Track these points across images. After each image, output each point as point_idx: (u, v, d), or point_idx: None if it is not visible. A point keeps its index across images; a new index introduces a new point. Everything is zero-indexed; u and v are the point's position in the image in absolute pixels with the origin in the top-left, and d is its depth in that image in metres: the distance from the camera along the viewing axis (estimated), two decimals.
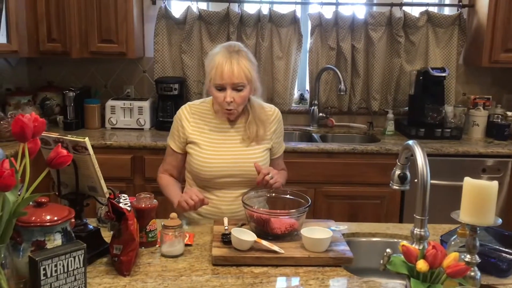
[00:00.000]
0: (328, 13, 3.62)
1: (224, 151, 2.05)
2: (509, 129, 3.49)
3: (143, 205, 1.72)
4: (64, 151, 1.35)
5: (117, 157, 3.15)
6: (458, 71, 3.77)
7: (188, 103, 2.17)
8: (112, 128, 3.54)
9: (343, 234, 1.84)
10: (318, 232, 1.71)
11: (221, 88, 1.97)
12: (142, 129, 3.54)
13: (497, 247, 1.68)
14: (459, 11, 3.64)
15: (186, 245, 1.73)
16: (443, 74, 3.46)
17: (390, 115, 3.63)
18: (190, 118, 2.10)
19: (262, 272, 1.58)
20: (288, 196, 2.01)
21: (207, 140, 2.07)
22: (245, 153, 2.06)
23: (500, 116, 3.57)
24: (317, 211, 3.19)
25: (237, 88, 1.96)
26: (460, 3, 3.65)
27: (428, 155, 1.50)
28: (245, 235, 1.68)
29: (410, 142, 1.53)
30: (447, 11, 3.80)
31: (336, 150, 3.19)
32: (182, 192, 2.06)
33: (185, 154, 2.12)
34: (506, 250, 1.65)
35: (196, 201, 1.88)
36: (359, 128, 3.78)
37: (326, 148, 3.19)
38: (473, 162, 3.23)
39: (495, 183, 1.34)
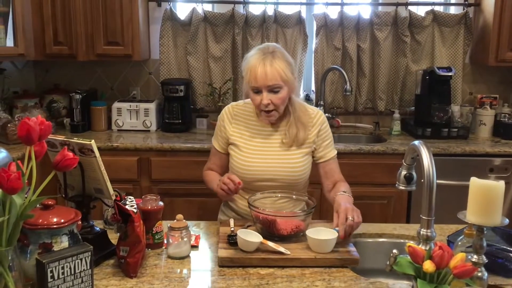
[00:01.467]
0: (333, 13, 3.61)
1: (263, 154, 2.04)
2: None
3: (149, 207, 1.72)
4: (70, 154, 1.36)
5: (123, 159, 3.16)
6: (464, 70, 3.75)
7: (232, 103, 2.18)
8: (118, 130, 3.55)
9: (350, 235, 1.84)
10: (324, 233, 1.71)
11: (257, 91, 1.95)
12: (148, 130, 3.55)
13: (505, 247, 1.67)
14: (465, 10, 3.62)
15: (193, 246, 1.73)
16: (449, 74, 3.44)
17: (396, 115, 3.62)
18: (232, 119, 2.11)
19: (268, 273, 1.58)
20: (294, 197, 2.02)
21: (247, 143, 2.07)
22: (284, 157, 2.04)
23: (507, 115, 3.55)
24: (323, 212, 3.18)
25: (273, 90, 1.94)
26: (466, 2, 3.63)
27: (435, 155, 1.49)
28: (251, 237, 1.68)
29: (416, 142, 1.52)
30: (453, 10, 3.78)
31: (342, 151, 3.18)
32: None
33: (228, 154, 2.13)
34: None
35: (229, 184, 1.87)
36: (365, 128, 3.77)
37: None
38: (481, 161, 3.21)
39: (501, 183, 1.33)
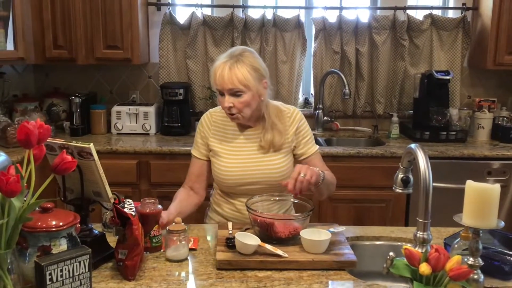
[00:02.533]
0: (332, 17, 3.63)
1: (243, 159, 2.04)
2: None
3: (147, 210, 1.73)
4: (69, 157, 1.37)
5: (122, 162, 3.17)
6: (462, 74, 3.77)
7: (210, 110, 2.18)
8: (118, 133, 3.57)
9: (347, 238, 1.85)
10: (317, 234, 1.72)
11: (221, 94, 1.97)
12: (148, 134, 3.56)
13: (501, 250, 1.68)
14: (463, 14, 3.64)
15: (191, 249, 1.74)
16: (448, 77, 3.46)
17: (395, 118, 3.63)
18: (211, 126, 2.11)
19: (266, 276, 1.59)
20: (292, 200, 2.03)
21: (226, 148, 2.07)
22: (263, 160, 2.04)
23: (505, 118, 3.56)
24: (322, 215, 3.20)
25: (235, 93, 1.94)
26: (464, 6, 3.65)
27: (433, 158, 1.51)
28: (249, 239, 1.69)
29: (413, 145, 1.53)
30: (451, 14, 3.80)
31: (341, 154, 3.20)
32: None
33: (208, 161, 2.12)
34: (510, 253, 1.64)
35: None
36: (364, 131, 3.78)
37: (331, 152, 3.20)
38: (479, 165, 3.22)
39: (497, 186, 1.34)
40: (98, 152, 1.59)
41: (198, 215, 2.96)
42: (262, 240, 1.73)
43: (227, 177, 2.04)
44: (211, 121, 2.12)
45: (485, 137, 3.57)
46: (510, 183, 3.22)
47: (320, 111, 3.74)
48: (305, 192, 1.85)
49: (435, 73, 3.45)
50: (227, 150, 2.07)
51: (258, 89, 1.98)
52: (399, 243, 1.88)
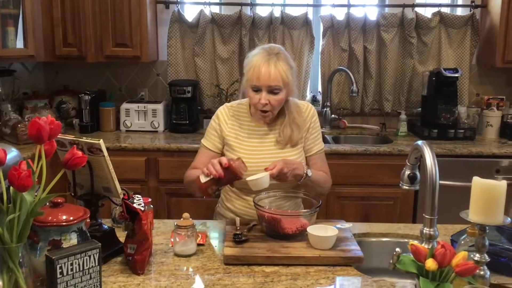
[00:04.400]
0: (340, 15, 3.63)
1: (259, 154, 2.05)
2: None
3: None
4: (79, 153, 1.39)
5: (131, 159, 3.20)
6: (471, 72, 3.75)
7: (226, 104, 2.18)
8: (126, 130, 3.59)
9: (354, 234, 1.86)
10: (324, 230, 1.73)
11: (257, 90, 1.96)
12: (156, 131, 3.58)
13: (508, 247, 1.67)
14: (471, 12, 3.63)
15: (199, 244, 1.76)
16: (456, 75, 3.45)
17: (403, 116, 3.63)
18: (228, 120, 2.11)
19: (273, 271, 1.60)
20: (300, 195, 2.04)
21: (242, 143, 2.07)
22: (280, 156, 2.04)
23: None
24: (330, 213, 3.20)
25: (273, 91, 1.95)
26: (473, 4, 3.63)
27: (441, 156, 1.51)
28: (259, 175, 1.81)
29: (419, 142, 1.54)
30: (459, 11, 3.79)
31: (348, 152, 3.20)
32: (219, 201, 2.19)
33: (219, 154, 2.11)
34: None
35: (214, 166, 1.80)
36: (372, 129, 3.78)
37: (339, 150, 3.20)
38: (487, 162, 3.21)
39: (503, 183, 1.34)
40: (107, 149, 1.61)
41: (207, 212, 2.98)
42: (269, 236, 1.75)
43: None
44: (228, 115, 2.12)
45: (494, 135, 3.56)
46: None
47: (328, 109, 3.74)
48: (284, 181, 1.92)
49: (443, 71, 3.45)
50: (243, 145, 2.07)
51: (293, 87, 2.00)
52: (406, 240, 1.89)
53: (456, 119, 3.53)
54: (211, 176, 1.79)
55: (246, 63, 2.02)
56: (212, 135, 2.12)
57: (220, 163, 1.80)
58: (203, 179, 1.81)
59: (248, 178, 1.84)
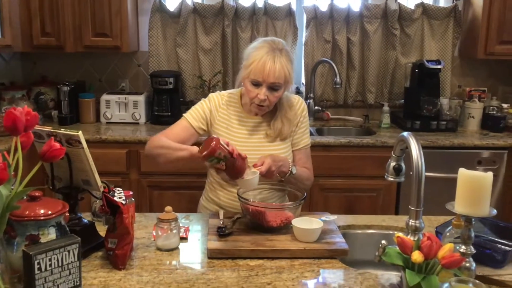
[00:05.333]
0: (323, 5, 3.61)
1: (248, 145, 2.01)
2: (505, 121, 3.49)
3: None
4: (57, 145, 1.34)
5: (112, 151, 3.14)
6: (453, 64, 3.77)
7: (218, 92, 2.12)
8: (107, 122, 3.53)
9: (339, 226, 1.85)
10: (309, 223, 1.72)
11: (257, 84, 1.91)
12: (138, 123, 3.53)
13: (493, 238, 1.68)
14: (454, 3, 3.63)
15: (182, 238, 1.73)
16: (439, 67, 3.45)
17: (386, 108, 3.63)
18: (219, 108, 2.06)
19: (257, 264, 1.58)
20: (284, 188, 2.02)
21: (232, 134, 2.03)
22: (269, 149, 2.01)
23: (495, 108, 3.57)
24: (313, 204, 3.19)
25: (273, 87, 1.91)
26: None
27: (424, 147, 1.50)
28: (250, 175, 1.77)
29: (405, 134, 1.53)
30: (442, 3, 3.79)
31: (332, 143, 3.19)
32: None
33: (197, 134, 2.04)
34: (501, 241, 1.65)
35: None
36: (355, 121, 3.78)
37: (322, 141, 3.19)
38: (469, 154, 3.23)
39: (489, 174, 1.34)
40: (87, 141, 1.56)
41: (190, 205, 2.95)
42: (254, 229, 1.73)
43: None
44: (220, 103, 2.07)
45: (475, 127, 3.58)
46: (500, 172, 3.24)
47: (311, 101, 3.72)
48: (270, 178, 1.90)
49: (426, 63, 3.45)
50: (232, 136, 2.02)
51: (292, 83, 1.99)
52: (391, 232, 1.88)
53: (438, 110, 3.54)
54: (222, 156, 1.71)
55: (247, 55, 1.95)
56: (199, 114, 2.05)
57: (233, 151, 1.74)
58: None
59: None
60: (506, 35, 3.43)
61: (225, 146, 1.72)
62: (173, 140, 1.97)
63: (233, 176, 1.78)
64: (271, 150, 2.01)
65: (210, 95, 2.10)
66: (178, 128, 2.05)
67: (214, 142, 1.69)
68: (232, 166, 1.74)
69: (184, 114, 2.09)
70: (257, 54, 1.90)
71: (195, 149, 1.81)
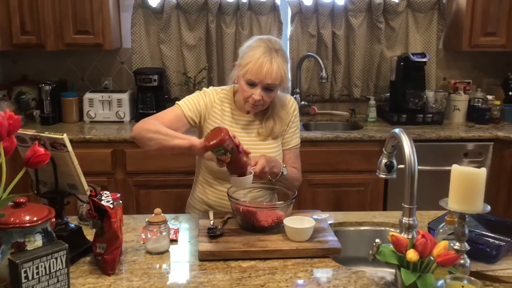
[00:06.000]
0: (307, 0, 3.58)
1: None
2: (490, 113, 3.51)
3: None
4: (42, 150, 1.30)
5: (97, 151, 3.09)
6: (438, 56, 3.78)
7: (212, 88, 2.07)
8: (91, 121, 3.47)
9: (330, 224, 1.83)
10: (301, 222, 1.70)
11: (252, 84, 1.88)
12: (122, 121, 3.47)
13: (484, 233, 1.68)
14: None
15: (172, 240, 1.69)
16: (424, 60, 3.45)
17: (372, 102, 3.62)
18: (214, 103, 2.02)
19: (250, 266, 1.55)
20: (274, 186, 1.99)
21: None
22: (260, 147, 1.99)
23: (480, 100, 3.59)
24: (301, 200, 3.17)
25: (269, 88, 1.88)
26: None
27: None
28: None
29: (397, 130, 1.51)
30: None
31: (319, 139, 3.18)
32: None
33: (188, 124, 1.98)
34: (494, 235, 1.65)
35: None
36: (342, 115, 3.76)
37: (310, 137, 3.18)
38: (455, 146, 3.24)
39: (483, 170, 1.33)
40: (70, 141, 1.51)
41: (177, 203, 2.92)
42: (245, 229, 1.70)
43: None
44: (215, 98, 2.03)
45: (461, 119, 3.60)
46: (486, 164, 3.25)
47: (297, 96, 3.70)
48: (264, 178, 1.88)
49: (411, 56, 3.45)
50: None
51: (287, 84, 1.96)
52: (383, 228, 1.88)
53: (424, 103, 3.54)
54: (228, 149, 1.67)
55: (243, 54, 1.91)
56: (194, 106, 1.99)
57: (239, 144, 1.72)
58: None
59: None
60: (490, 27, 3.45)
61: (232, 138, 1.69)
62: (165, 125, 1.90)
63: (234, 171, 1.74)
64: (263, 149, 1.99)
65: (205, 89, 2.06)
66: (171, 114, 1.98)
67: (224, 132, 1.66)
68: (235, 160, 1.71)
69: (177, 102, 2.02)
70: (253, 55, 1.86)
71: (196, 140, 1.77)
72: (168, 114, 1.98)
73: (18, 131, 1.38)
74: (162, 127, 1.87)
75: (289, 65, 1.94)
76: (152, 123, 1.90)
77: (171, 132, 1.85)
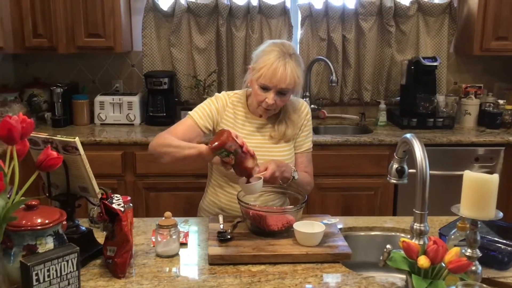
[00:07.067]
0: (318, 3, 3.58)
1: (252, 146, 1.93)
2: (501, 117, 3.48)
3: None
4: (54, 153, 1.31)
5: (107, 153, 3.11)
6: (449, 60, 3.76)
7: (224, 92, 2.09)
8: (101, 124, 3.49)
9: (340, 229, 1.82)
10: (311, 226, 1.69)
11: (266, 88, 1.89)
12: (132, 124, 3.49)
13: (496, 239, 1.66)
14: (449, 0, 3.61)
15: (182, 244, 1.70)
16: (435, 64, 3.44)
17: (382, 106, 3.61)
18: (226, 107, 2.03)
19: (259, 270, 1.55)
20: (286, 192, 1.99)
21: (237, 133, 2.00)
22: (273, 150, 1.99)
23: (491, 104, 3.56)
24: (311, 204, 3.17)
25: (282, 92, 1.89)
26: None
27: None
28: (253, 180, 1.74)
29: (408, 135, 1.50)
30: None
31: (329, 142, 3.17)
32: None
33: (203, 134, 2.00)
34: (506, 242, 1.63)
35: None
36: (351, 119, 3.75)
37: (319, 140, 3.17)
38: (466, 151, 3.22)
39: (495, 176, 1.32)
40: (81, 143, 1.52)
41: (186, 206, 2.93)
42: (254, 233, 1.70)
43: None
44: (227, 102, 2.05)
45: (472, 123, 3.57)
46: (497, 169, 3.22)
47: (307, 99, 3.69)
48: (273, 184, 1.90)
49: (422, 60, 3.43)
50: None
51: (300, 88, 1.97)
52: (393, 233, 1.87)
53: (434, 108, 3.53)
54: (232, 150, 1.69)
55: (257, 58, 1.92)
56: (206, 114, 2.01)
57: (243, 144, 1.73)
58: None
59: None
60: (502, 31, 3.42)
61: (236, 139, 1.70)
62: (178, 139, 1.93)
63: (241, 173, 1.75)
64: (276, 152, 1.99)
65: (217, 94, 2.08)
66: (184, 126, 2.01)
67: (226, 134, 1.68)
68: (240, 162, 1.72)
69: (189, 113, 2.05)
70: (267, 59, 1.87)
71: (203, 147, 1.79)
72: (181, 126, 2.01)
73: (31, 134, 1.39)
74: (173, 140, 1.90)
75: (302, 69, 1.94)
76: (163, 138, 1.94)
77: (182, 144, 1.88)
